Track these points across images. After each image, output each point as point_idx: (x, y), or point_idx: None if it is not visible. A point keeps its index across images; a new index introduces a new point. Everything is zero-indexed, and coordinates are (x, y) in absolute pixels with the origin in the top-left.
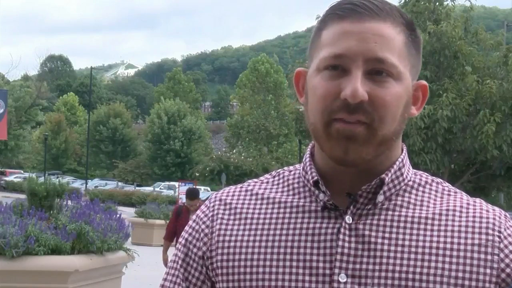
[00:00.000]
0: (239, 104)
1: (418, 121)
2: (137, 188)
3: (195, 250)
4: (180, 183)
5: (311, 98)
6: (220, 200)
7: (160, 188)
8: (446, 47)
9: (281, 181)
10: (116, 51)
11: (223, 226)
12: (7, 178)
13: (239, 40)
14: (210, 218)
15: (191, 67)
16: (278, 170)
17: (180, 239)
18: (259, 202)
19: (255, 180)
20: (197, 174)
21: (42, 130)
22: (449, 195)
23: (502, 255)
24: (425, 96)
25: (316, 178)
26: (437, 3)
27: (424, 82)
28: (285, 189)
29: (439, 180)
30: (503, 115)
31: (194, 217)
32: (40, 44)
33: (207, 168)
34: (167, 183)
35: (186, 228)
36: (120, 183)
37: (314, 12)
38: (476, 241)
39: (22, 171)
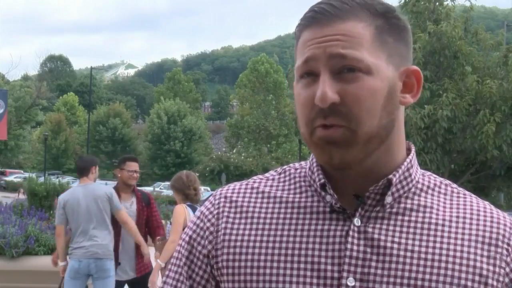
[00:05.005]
0: (239, 104)
1: (418, 121)
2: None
3: (199, 248)
4: None
5: (296, 107)
6: (226, 197)
7: (160, 188)
8: (446, 47)
9: (287, 178)
10: (116, 51)
11: (229, 225)
12: (7, 178)
13: (239, 40)
14: (216, 216)
15: (191, 67)
16: (284, 167)
17: (183, 235)
18: (265, 200)
19: (261, 176)
20: (197, 174)
21: (42, 130)
22: (458, 197)
23: (508, 269)
24: (420, 81)
25: (323, 181)
26: (437, 3)
27: (414, 67)
28: (292, 187)
29: (447, 181)
30: (503, 115)
31: (197, 213)
32: (40, 44)
33: (207, 168)
34: (167, 183)
35: (190, 224)
36: None
37: None
38: (486, 253)
39: (22, 171)
